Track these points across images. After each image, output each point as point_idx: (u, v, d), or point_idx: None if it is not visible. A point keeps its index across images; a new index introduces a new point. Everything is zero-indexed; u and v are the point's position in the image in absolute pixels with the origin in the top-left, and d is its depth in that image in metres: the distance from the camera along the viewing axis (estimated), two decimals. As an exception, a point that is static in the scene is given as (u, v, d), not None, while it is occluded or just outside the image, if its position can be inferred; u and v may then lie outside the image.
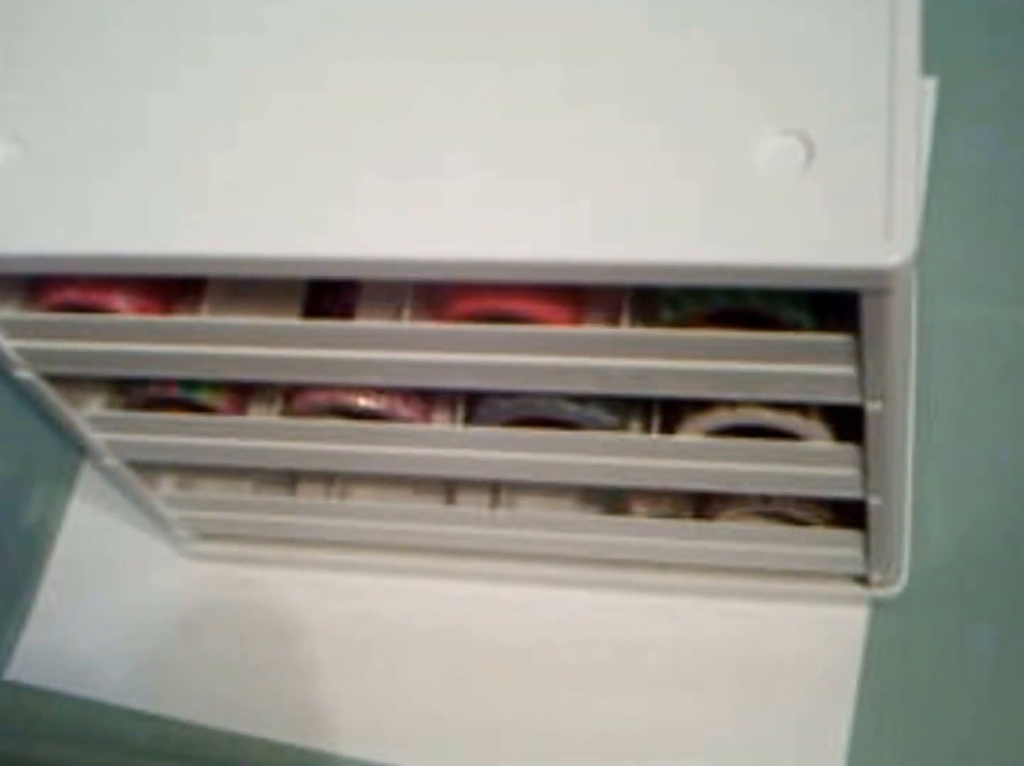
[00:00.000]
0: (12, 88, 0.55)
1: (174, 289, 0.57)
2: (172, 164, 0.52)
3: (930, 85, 0.75)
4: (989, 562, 0.64)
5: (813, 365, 0.49)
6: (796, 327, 0.49)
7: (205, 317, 0.56)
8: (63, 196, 0.52)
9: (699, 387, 0.52)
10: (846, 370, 0.49)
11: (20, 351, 0.59)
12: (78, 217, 0.52)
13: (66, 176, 0.53)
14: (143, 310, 0.56)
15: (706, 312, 0.50)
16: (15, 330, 0.58)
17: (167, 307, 0.57)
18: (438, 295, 0.53)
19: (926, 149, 0.72)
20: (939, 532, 0.65)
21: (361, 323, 0.54)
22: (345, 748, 0.68)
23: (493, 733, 0.66)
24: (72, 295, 0.56)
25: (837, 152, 0.45)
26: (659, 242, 0.45)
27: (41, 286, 0.57)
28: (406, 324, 0.53)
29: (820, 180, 0.45)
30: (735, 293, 0.48)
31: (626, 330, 0.51)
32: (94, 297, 0.56)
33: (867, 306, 0.45)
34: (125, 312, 0.56)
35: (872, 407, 0.50)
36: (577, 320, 0.52)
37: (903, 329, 0.47)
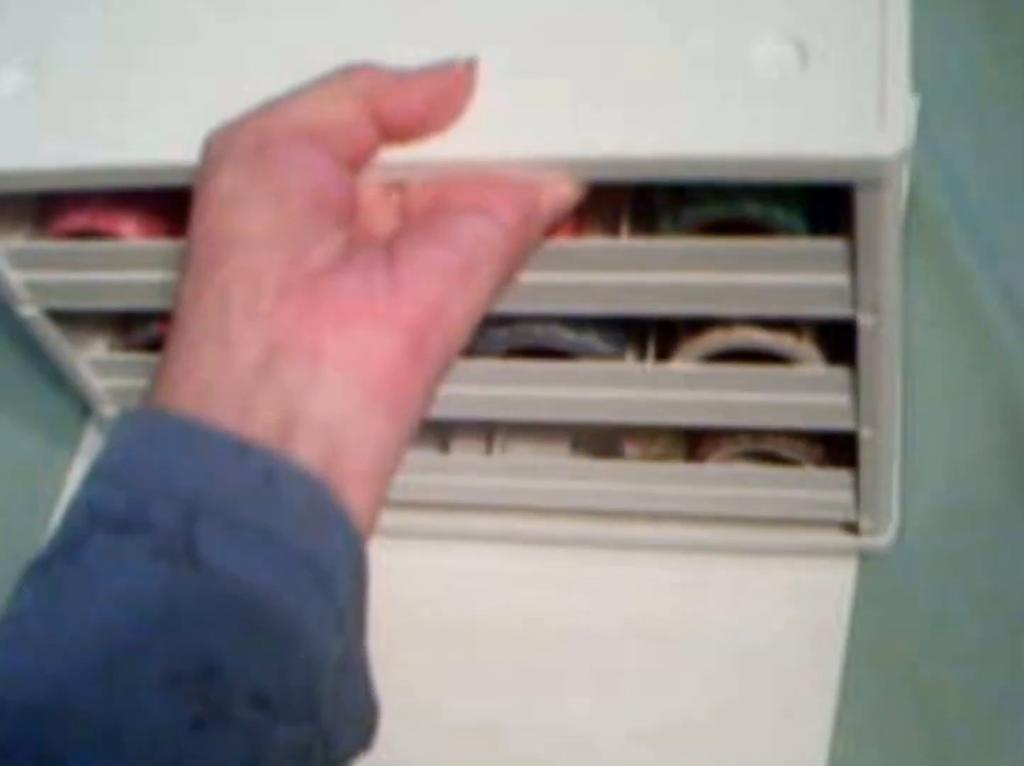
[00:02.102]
0: (27, 17, 0.57)
1: (182, 215, 0.58)
2: (182, 85, 0.53)
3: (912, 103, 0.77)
4: (979, 513, 0.65)
5: (807, 274, 0.51)
6: (791, 234, 0.50)
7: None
8: (77, 116, 0.54)
9: (696, 302, 0.53)
10: (839, 279, 0.50)
11: (27, 285, 0.60)
12: (91, 134, 0.53)
13: (80, 98, 0.54)
14: (150, 235, 0.57)
15: (704, 222, 0.51)
16: (22, 261, 0.59)
17: (174, 234, 0.58)
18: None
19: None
20: (929, 484, 0.66)
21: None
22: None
23: (485, 686, 0.66)
24: (80, 221, 0.58)
25: (831, 55, 0.47)
26: (661, 137, 0.47)
27: (48, 216, 0.59)
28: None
29: (815, 81, 0.47)
30: (732, 199, 0.50)
31: (626, 241, 0.52)
32: (102, 222, 0.57)
33: (861, 201, 0.47)
34: (133, 238, 0.57)
35: (865, 321, 0.52)
36: (578, 234, 0.53)
37: (895, 232, 0.48)
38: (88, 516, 0.40)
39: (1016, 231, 0.71)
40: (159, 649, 0.38)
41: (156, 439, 0.41)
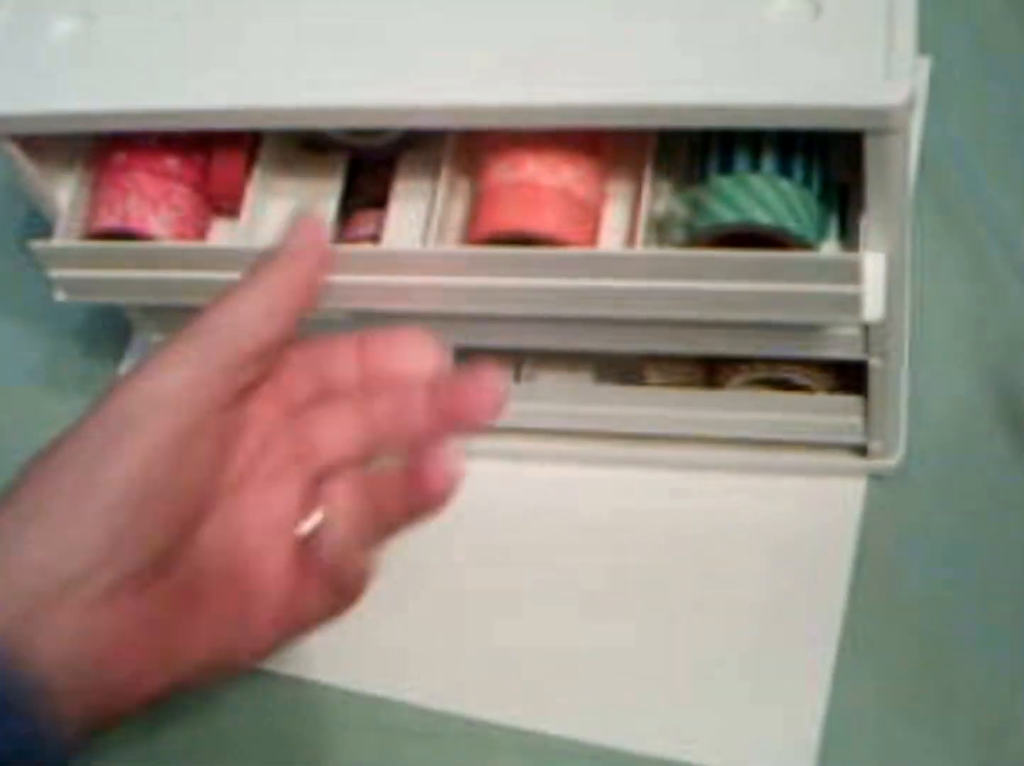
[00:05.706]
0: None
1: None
2: (232, 31, 0.57)
3: (924, 63, 0.79)
4: (974, 447, 0.69)
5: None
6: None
7: (238, 243, 0.61)
8: (129, 61, 0.57)
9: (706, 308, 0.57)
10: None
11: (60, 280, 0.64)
12: (142, 79, 0.57)
13: (131, 44, 0.58)
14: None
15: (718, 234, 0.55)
16: (59, 262, 0.63)
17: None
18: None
19: (919, 127, 0.76)
20: (932, 418, 0.69)
21: (385, 248, 0.60)
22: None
23: (511, 596, 0.70)
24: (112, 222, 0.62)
25: (842, 10, 0.51)
26: (680, 86, 0.50)
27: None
28: (430, 247, 0.59)
29: (826, 35, 0.50)
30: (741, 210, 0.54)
31: (640, 251, 0.56)
32: (133, 223, 0.61)
33: (870, 147, 0.50)
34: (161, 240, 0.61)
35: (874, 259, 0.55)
36: (593, 242, 0.58)
37: (901, 176, 0.51)
38: None
39: (1015, 192, 0.76)
40: None
41: None
